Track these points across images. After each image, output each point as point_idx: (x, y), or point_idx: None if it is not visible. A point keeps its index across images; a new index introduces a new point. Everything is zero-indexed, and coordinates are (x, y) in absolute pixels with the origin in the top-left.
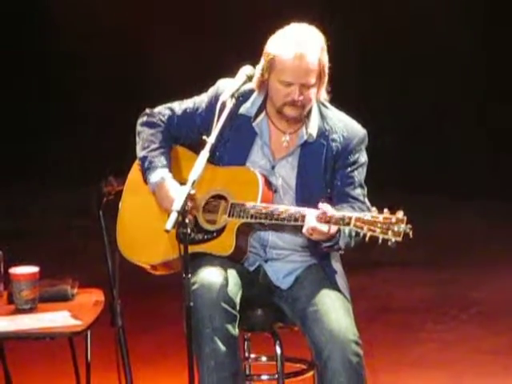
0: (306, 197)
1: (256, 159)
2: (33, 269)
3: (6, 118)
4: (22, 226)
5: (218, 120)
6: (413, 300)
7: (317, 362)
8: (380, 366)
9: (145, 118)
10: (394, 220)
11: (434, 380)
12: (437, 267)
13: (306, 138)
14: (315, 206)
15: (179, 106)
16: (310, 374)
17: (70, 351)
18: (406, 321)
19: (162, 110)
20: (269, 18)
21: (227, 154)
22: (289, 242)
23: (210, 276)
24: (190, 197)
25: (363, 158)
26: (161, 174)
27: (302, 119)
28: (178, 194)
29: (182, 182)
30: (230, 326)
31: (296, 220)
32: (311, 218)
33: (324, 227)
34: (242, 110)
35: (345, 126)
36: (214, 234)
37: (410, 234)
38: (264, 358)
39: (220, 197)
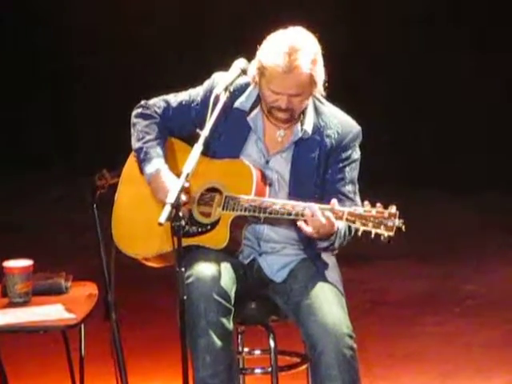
0: (299, 192)
1: (250, 153)
2: (26, 262)
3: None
4: (15, 219)
5: (211, 113)
6: (407, 293)
7: (310, 355)
8: (373, 359)
9: (140, 110)
10: (386, 215)
11: (427, 373)
12: (431, 261)
13: (300, 134)
14: (308, 201)
15: (174, 99)
16: (304, 367)
17: (64, 345)
18: (399, 314)
19: (157, 102)
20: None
21: (221, 147)
22: (283, 235)
23: (204, 269)
24: (184, 190)
25: (356, 154)
26: (156, 165)
27: (293, 120)
28: (172, 187)
29: (177, 174)
30: (224, 320)
31: (290, 214)
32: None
33: (323, 219)
34: (237, 103)
35: (339, 122)
36: (208, 227)
37: (403, 228)
38: (258, 352)
39: (215, 189)
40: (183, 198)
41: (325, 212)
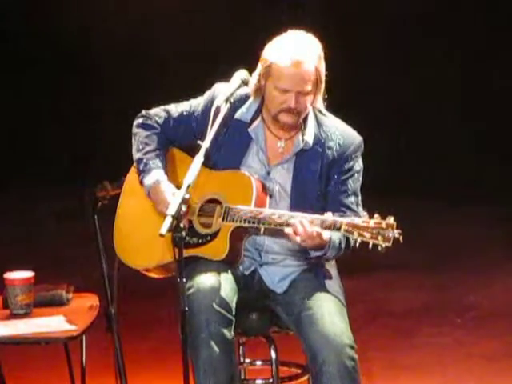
0: (300, 203)
1: (251, 164)
2: (28, 274)
3: None
4: (17, 231)
5: (212, 124)
6: (408, 304)
7: (311, 366)
8: (375, 370)
9: (140, 120)
10: (384, 225)
11: None
12: (433, 271)
13: (302, 145)
14: (310, 212)
15: (175, 109)
16: (305, 378)
17: (65, 356)
18: (401, 325)
19: (158, 112)
20: None
21: (222, 158)
22: (284, 246)
23: (205, 280)
24: (184, 201)
25: (358, 165)
26: (156, 177)
27: (298, 126)
28: (172, 198)
29: (178, 185)
30: (225, 331)
31: (289, 225)
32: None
33: (316, 229)
34: (238, 115)
35: (341, 133)
36: (208, 238)
37: (400, 239)
38: (259, 363)
39: (215, 201)
40: (183, 209)
41: (313, 224)
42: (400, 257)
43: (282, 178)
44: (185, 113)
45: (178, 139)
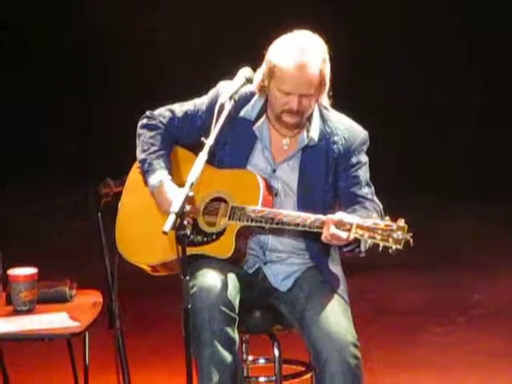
0: (307, 200)
1: (257, 163)
2: (31, 270)
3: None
4: (20, 227)
5: (216, 122)
6: (411, 302)
7: (315, 364)
8: (378, 368)
9: (145, 121)
10: (394, 227)
11: (432, 382)
12: (436, 270)
13: (306, 141)
14: (316, 210)
15: (180, 108)
16: (308, 376)
17: (68, 353)
18: (404, 323)
19: (163, 112)
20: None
21: (227, 156)
22: (288, 244)
23: (209, 279)
24: (188, 199)
25: (365, 158)
26: (160, 177)
27: (302, 125)
28: (176, 197)
29: (182, 184)
30: (229, 329)
31: (297, 225)
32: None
33: (343, 234)
34: (243, 113)
35: (346, 128)
36: (214, 237)
37: (411, 242)
38: (262, 360)
39: (220, 199)
40: (187, 207)
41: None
42: (403, 255)
43: (288, 176)
44: (189, 112)
45: (183, 138)
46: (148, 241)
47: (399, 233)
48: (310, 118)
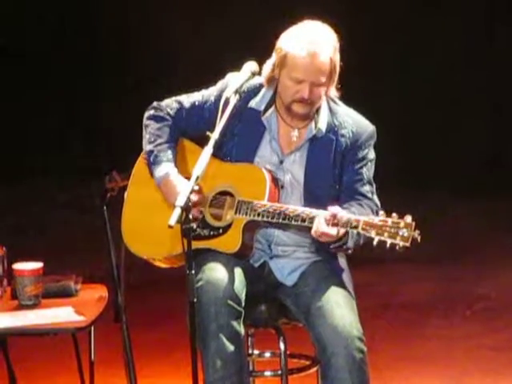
0: (313, 192)
1: (265, 154)
2: (36, 264)
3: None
4: (25, 221)
5: (221, 116)
6: (416, 296)
7: (320, 358)
8: (384, 362)
9: (152, 112)
10: (402, 224)
11: (437, 376)
12: (441, 263)
13: (314, 131)
14: (323, 202)
15: (187, 99)
16: (314, 369)
17: (74, 347)
18: (410, 317)
19: (170, 104)
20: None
21: (236, 148)
22: (294, 238)
23: (215, 273)
24: (193, 192)
25: (371, 154)
26: (166, 169)
27: (311, 116)
28: (182, 190)
29: (188, 177)
30: (235, 323)
31: (303, 221)
32: (321, 221)
33: (333, 231)
34: (252, 103)
35: (354, 121)
36: (220, 231)
37: (419, 239)
38: (268, 354)
39: (226, 193)
40: (194, 198)
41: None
42: (409, 249)
43: (295, 167)
44: (197, 103)
45: (190, 130)
46: (154, 234)
47: (406, 230)
48: (318, 110)
